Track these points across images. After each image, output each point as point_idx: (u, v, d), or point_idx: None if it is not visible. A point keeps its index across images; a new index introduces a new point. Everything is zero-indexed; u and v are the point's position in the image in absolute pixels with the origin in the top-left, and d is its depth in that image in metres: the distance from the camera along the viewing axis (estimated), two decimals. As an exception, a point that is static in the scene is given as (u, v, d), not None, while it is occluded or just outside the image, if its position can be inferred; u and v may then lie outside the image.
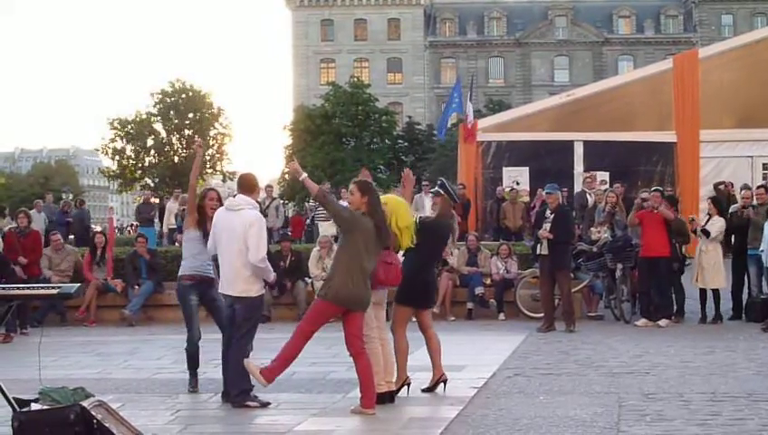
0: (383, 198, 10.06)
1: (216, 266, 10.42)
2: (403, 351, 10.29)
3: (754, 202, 17.21)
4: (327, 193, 9.88)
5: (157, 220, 30.96)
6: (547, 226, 16.21)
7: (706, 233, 16.72)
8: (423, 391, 10.41)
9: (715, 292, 16.88)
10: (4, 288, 8.84)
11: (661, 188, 18.75)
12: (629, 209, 17.74)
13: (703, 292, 16.88)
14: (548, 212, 16.43)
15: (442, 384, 10.48)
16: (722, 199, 19.69)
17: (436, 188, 10.86)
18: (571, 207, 22.52)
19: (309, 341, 9.50)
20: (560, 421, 8.85)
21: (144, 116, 73.47)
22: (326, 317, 9.54)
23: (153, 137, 74.03)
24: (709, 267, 16.72)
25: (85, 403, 8.00)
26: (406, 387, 10.27)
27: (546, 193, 16.90)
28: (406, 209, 10.02)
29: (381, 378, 9.82)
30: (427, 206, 26.44)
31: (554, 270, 16.29)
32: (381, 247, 9.51)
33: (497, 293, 18.31)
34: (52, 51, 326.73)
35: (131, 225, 50.17)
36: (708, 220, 17.11)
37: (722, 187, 22.33)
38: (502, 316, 18.14)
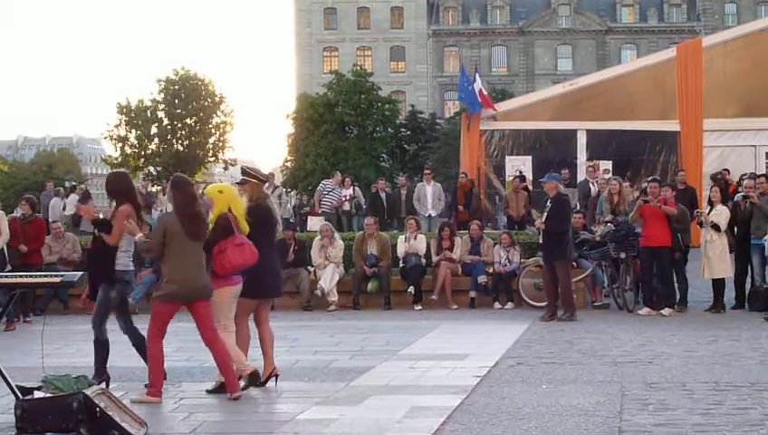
0: (219, 186, 10.65)
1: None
2: (243, 340, 10.42)
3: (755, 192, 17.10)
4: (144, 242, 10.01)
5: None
6: (544, 215, 16.29)
7: (717, 228, 16.67)
8: (257, 385, 10.31)
9: (719, 281, 16.88)
10: (7, 277, 8.85)
11: (660, 178, 18.75)
12: None
13: (716, 281, 16.87)
14: (549, 202, 16.47)
15: (274, 378, 10.46)
16: (721, 189, 19.67)
17: (241, 177, 10.84)
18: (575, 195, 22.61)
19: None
20: (562, 410, 8.86)
21: (149, 103, 73.49)
22: (170, 315, 9.84)
23: (157, 124, 74.03)
24: (715, 257, 16.71)
25: (88, 391, 8.02)
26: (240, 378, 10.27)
27: (542, 181, 16.95)
28: (240, 198, 10.39)
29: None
30: (429, 195, 26.42)
31: (552, 260, 16.33)
32: (194, 236, 9.71)
33: (497, 284, 18.31)
34: (55, 39, 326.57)
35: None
36: (711, 209, 17.09)
37: (719, 177, 22.33)
38: (510, 305, 18.14)
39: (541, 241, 16.69)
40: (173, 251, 9.64)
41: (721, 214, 16.81)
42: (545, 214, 16.50)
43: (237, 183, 10.97)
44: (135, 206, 10.34)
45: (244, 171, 10.85)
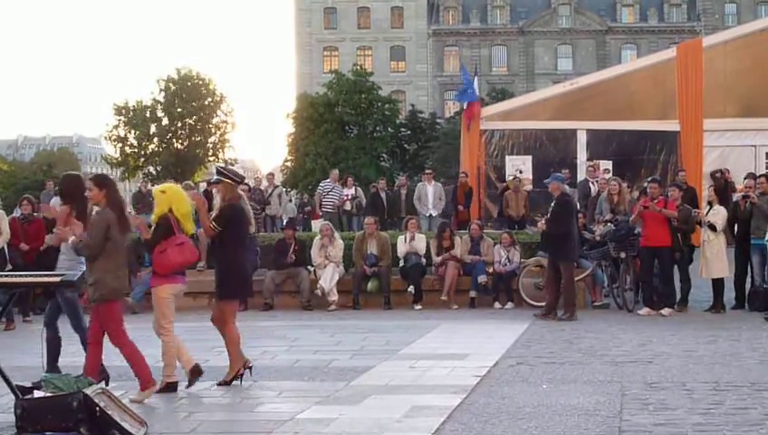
0: (163, 186, 10.76)
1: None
2: (235, 341, 10.57)
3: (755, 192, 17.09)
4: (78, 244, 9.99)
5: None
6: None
7: (713, 228, 16.68)
8: (222, 383, 10.50)
9: (719, 281, 16.87)
10: (7, 276, 8.84)
11: (660, 179, 18.75)
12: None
13: (715, 281, 16.87)
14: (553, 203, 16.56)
15: (248, 370, 10.63)
16: (720, 188, 19.69)
17: (216, 177, 10.93)
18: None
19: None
20: (563, 410, 8.85)
21: (149, 103, 73.47)
22: (119, 311, 9.91)
23: (156, 124, 74.00)
24: (712, 257, 16.72)
25: (88, 391, 8.02)
26: (248, 370, 10.55)
27: (545, 182, 17.01)
28: (183, 198, 10.46)
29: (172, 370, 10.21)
30: (430, 194, 26.38)
31: (556, 261, 16.37)
32: (126, 232, 9.92)
33: (497, 284, 18.29)
34: (55, 38, 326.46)
35: (129, 213, 50.32)
36: (710, 209, 17.10)
37: (718, 175, 22.35)
38: (510, 305, 18.14)
39: (542, 241, 16.74)
40: (113, 247, 9.73)
41: (718, 214, 16.82)
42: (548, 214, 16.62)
43: (212, 182, 11.07)
44: (79, 208, 10.38)
45: (219, 171, 10.94)
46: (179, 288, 10.42)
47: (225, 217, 10.51)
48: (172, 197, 10.34)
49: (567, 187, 18.07)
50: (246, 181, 21.09)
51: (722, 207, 17.00)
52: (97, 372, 9.88)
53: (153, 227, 10.30)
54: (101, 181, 10.05)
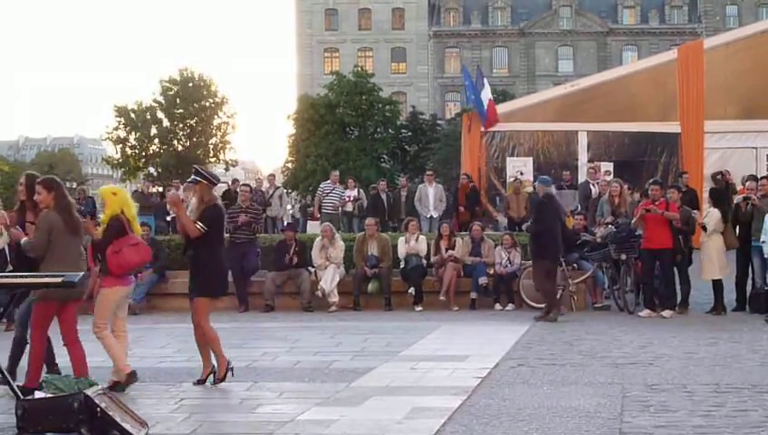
0: (113, 188, 11.00)
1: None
2: (216, 339, 10.58)
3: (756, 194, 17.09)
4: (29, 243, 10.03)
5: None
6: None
7: (704, 228, 16.76)
8: (217, 381, 10.52)
9: (719, 283, 16.88)
10: (8, 277, 8.85)
11: (661, 181, 18.78)
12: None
13: (715, 283, 16.90)
14: None
15: (212, 375, 10.61)
16: (720, 190, 19.70)
17: (192, 177, 10.92)
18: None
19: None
20: (563, 412, 8.86)
21: (150, 104, 73.39)
22: (52, 314, 9.94)
23: (157, 126, 73.92)
24: (706, 259, 16.79)
25: (89, 392, 8.03)
26: (230, 371, 10.53)
27: (535, 184, 17.31)
28: (131, 201, 10.73)
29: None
30: (431, 196, 26.38)
31: (531, 258, 16.77)
32: (75, 232, 9.96)
33: (498, 285, 18.31)
34: (56, 39, 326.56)
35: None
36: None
37: (719, 177, 22.35)
38: (510, 306, 18.14)
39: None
40: (59, 249, 9.75)
41: (711, 216, 16.89)
42: None
43: (189, 182, 11.05)
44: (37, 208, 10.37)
45: (197, 172, 10.90)
46: (129, 290, 10.62)
47: (210, 217, 10.50)
48: (123, 199, 10.50)
49: (554, 189, 18.25)
50: (248, 182, 21.16)
51: (715, 210, 17.05)
52: (85, 368, 9.87)
53: (104, 228, 10.34)
54: (50, 184, 10.07)
